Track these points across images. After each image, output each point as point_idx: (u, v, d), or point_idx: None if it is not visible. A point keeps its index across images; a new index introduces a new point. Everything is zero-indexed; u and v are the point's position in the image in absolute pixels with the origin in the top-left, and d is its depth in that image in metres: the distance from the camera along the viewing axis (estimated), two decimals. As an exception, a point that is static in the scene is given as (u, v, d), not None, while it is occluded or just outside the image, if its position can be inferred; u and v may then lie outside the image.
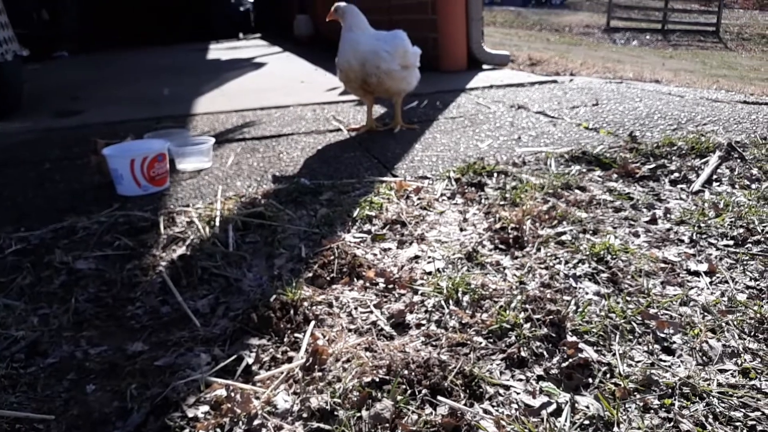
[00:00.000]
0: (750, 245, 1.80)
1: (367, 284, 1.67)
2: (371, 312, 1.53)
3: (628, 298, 1.52)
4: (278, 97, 4.61)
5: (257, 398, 1.21)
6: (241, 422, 1.15)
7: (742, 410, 1.14)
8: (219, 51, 10.40)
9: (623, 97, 3.88)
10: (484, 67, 5.48)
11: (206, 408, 1.19)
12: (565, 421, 1.11)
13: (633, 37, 24.79)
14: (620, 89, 4.19)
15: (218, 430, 1.13)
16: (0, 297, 1.70)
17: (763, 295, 1.53)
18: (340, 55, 3.08)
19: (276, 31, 13.81)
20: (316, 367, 1.30)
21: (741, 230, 1.87)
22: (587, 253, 1.75)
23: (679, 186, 2.30)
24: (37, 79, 6.94)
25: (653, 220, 2.00)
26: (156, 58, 9.53)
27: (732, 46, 23.49)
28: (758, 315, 1.42)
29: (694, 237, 1.86)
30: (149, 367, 1.34)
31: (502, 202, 2.16)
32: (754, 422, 1.11)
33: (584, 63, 7.57)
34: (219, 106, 4.36)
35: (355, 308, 1.55)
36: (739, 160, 2.49)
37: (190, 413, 1.17)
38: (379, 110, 3.81)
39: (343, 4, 3.11)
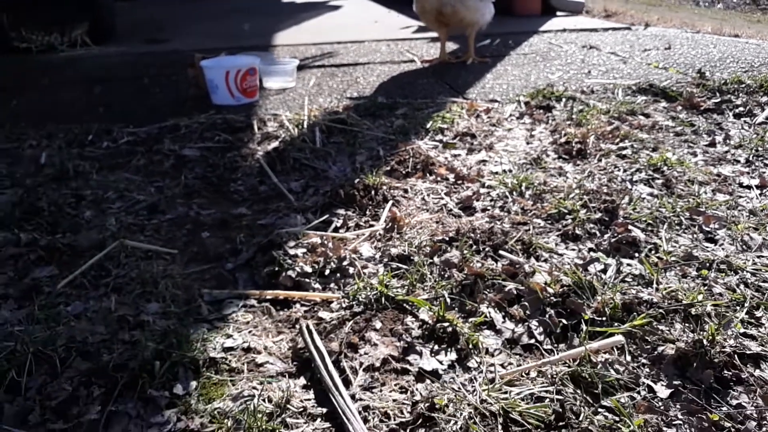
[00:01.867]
0: (805, 167, 1.89)
1: (439, 178, 1.86)
2: (442, 198, 1.73)
3: (679, 199, 1.66)
4: (353, 33, 4.77)
5: (346, 246, 1.43)
6: (332, 262, 1.37)
7: (772, 282, 1.28)
8: (293, -5, 10.57)
9: (697, 43, 3.88)
10: (558, 13, 5.48)
11: (304, 250, 1.42)
12: (610, 276, 1.29)
13: None
14: (695, 37, 4.17)
15: (314, 265, 1.36)
16: (121, 172, 1.98)
17: (810, 205, 1.64)
18: (417, -15, 3.21)
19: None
20: (395, 229, 1.51)
21: (798, 154, 1.96)
22: (645, 164, 1.89)
23: (742, 119, 2.37)
24: (125, 15, 7.29)
25: (712, 144, 2.10)
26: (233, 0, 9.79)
27: (827, 13, 22.04)
28: (801, 217, 1.55)
29: (750, 158, 1.97)
30: (254, 224, 1.58)
31: (568, 122, 2.29)
32: (780, 290, 1.25)
33: (661, 18, 7.40)
34: (298, 40, 4.57)
35: (428, 195, 1.75)
36: (807, 99, 2.53)
37: (291, 252, 1.40)
38: (451, 46, 3.94)
39: (420, -62, 3.22)
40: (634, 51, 3.64)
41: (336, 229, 1.55)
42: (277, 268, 1.34)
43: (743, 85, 2.68)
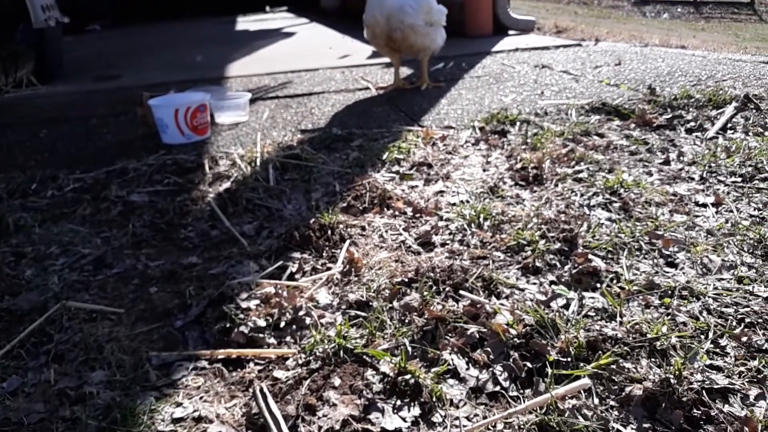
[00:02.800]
0: (757, 181, 1.90)
1: (396, 213, 1.82)
2: (400, 234, 1.68)
3: (637, 223, 1.65)
4: (308, 61, 4.75)
5: (302, 294, 1.37)
6: (288, 313, 1.31)
7: (734, 307, 1.27)
8: (247, 23, 10.53)
9: (646, 58, 3.94)
10: (510, 32, 5.55)
11: (257, 301, 1.36)
12: (573, 311, 1.26)
13: (664, 9, 24.29)
14: (644, 51, 4.25)
15: (268, 318, 1.30)
16: (65, 223, 1.89)
17: (766, 221, 1.65)
18: (366, 11, 3.19)
19: (303, 3, 13.87)
20: (352, 271, 1.46)
21: (749, 169, 1.98)
22: (602, 187, 1.88)
23: (694, 134, 2.40)
24: (73, 50, 7.14)
25: (666, 162, 2.11)
26: (186, 30, 9.71)
27: (767, 19, 22.96)
28: (757, 236, 1.54)
29: (704, 175, 1.97)
30: (204, 274, 1.52)
31: (523, 147, 2.28)
32: (743, 316, 1.24)
33: (610, 31, 7.56)
34: (251, 70, 4.52)
35: (386, 231, 1.71)
36: (754, 111, 2.57)
37: (244, 305, 1.34)
38: (406, 71, 3.94)
39: (371, -36, 3.22)
40: (586, 68, 3.68)
41: (291, 275, 1.50)
42: (228, 324, 1.28)
43: (693, 100, 2.72)
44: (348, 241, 1.63)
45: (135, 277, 1.55)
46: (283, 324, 1.29)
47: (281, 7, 14.74)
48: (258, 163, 2.21)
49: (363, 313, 1.29)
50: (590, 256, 1.46)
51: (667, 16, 23.72)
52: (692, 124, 2.48)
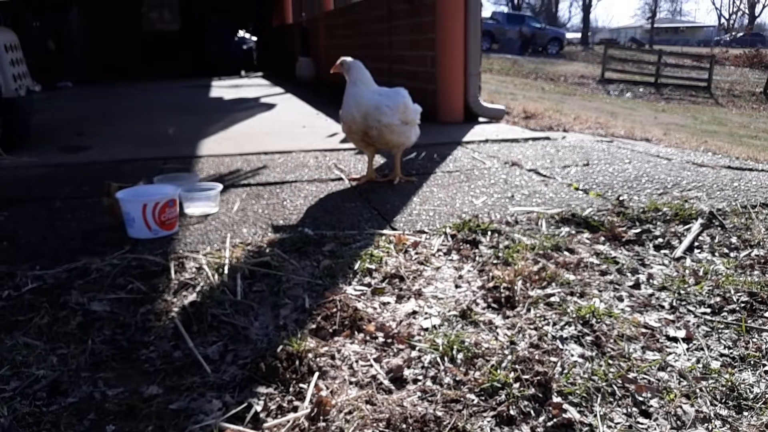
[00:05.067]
0: (726, 314, 1.92)
1: (368, 338, 1.78)
2: (371, 366, 1.64)
3: (611, 362, 1.64)
4: (282, 142, 4.76)
5: (266, 445, 1.31)
6: (251, 468, 1.25)
7: (710, 474, 1.25)
8: (222, 89, 10.63)
9: (613, 157, 4.05)
10: (480, 119, 5.68)
11: (219, 453, 1.29)
12: (549, 478, 1.22)
13: (627, 88, 25.46)
14: (610, 149, 4.37)
15: (230, 474, 1.23)
16: (20, 336, 1.80)
17: (736, 363, 1.65)
18: (343, 107, 3.23)
19: (277, 71, 14.11)
20: (320, 417, 1.40)
21: (718, 298, 2.00)
22: (574, 315, 1.88)
23: (662, 251, 2.43)
24: (43, 110, 7.08)
25: (637, 285, 2.12)
26: (160, 93, 9.74)
27: (723, 102, 24.18)
28: (729, 383, 1.54)
29: (674, 303, 1.99)
30: (164, 411, 1.44)
31: (495, 261, 2.28)
32: (720, 486, 1.22)
33: (577, 117, 7.81)
34: (224, 149, 4.51)
35: (356, 361, 1.66)
36: (719, 228, 2.64)
37: (205, 458, 1.27)
38: (379, 160, 3.97)
39: (349, 59, 3.28)
40: (555, 167, 3.76)
41: (256, 415, 1.43)
42: (187, 484, 1.20)
43: (660, 213, 2.77)
44: (316, 374, 1.57)
45: (91, 411, 1.46)
46: (245, 483, 1.22)
47: (257, 73, 14.96)
48: (226, 271, 2.16)
49: (331, 475, 1.23)
50: (565, 406, 1.43)
51: (630, 95, 24.81)
52: (660, 240, 2.52)
